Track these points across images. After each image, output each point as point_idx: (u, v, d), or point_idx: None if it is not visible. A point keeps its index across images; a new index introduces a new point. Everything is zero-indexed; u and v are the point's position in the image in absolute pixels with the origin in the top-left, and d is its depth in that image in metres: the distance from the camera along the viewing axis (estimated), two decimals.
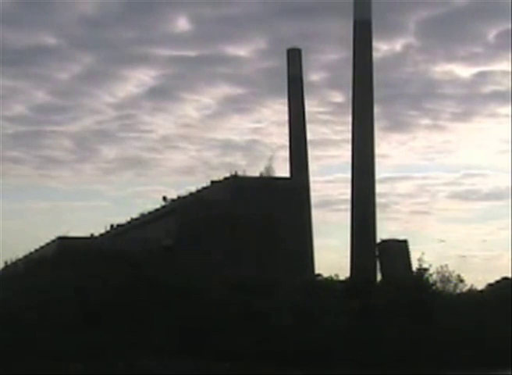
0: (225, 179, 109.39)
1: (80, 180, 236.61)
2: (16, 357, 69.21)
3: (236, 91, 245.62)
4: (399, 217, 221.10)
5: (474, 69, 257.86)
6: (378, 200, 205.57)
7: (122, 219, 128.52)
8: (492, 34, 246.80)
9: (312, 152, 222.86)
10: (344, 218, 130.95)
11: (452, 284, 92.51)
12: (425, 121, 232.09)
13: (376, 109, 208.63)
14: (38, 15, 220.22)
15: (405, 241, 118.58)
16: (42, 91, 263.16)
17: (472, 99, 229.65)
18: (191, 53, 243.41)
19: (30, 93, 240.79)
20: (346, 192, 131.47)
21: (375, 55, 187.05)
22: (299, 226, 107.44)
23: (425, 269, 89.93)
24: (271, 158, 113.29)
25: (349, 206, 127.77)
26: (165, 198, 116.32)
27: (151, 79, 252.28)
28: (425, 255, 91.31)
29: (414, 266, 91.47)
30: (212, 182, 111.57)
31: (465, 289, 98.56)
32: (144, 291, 78.10)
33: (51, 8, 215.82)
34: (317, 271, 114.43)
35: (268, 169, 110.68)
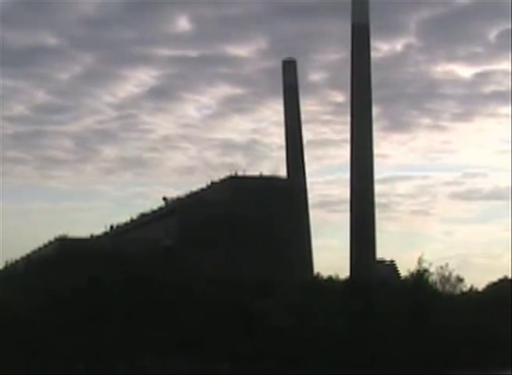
0: (225, 179, 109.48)
1: (81, 180, 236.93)
2: (16, 357, 69.22)
3: (237, 91, 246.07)
4: (399, 217, 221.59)
5: (475, 69, 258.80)
6: (379, 200, 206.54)
7: (123, 219, 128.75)
8: (492, 34, 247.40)
9: (312, 152, 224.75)
10: (344, 218, 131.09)
11: (451, 284, 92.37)
12: (426, 121, 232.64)
13: (377, 109, 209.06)
14: (39, 15, 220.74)
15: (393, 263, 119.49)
16: (42, 91, 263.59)
17: (473, 99, 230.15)
18: (192, 53, 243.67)
19: (30, 93, 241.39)
20: (346, 192, 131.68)
21: (376, 55, 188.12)
22: (298, 226, 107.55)
23: (425, 270, 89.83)
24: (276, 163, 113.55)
25: (348, 206, 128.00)
26: (165, 199, 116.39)
27: (151, 79, 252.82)
28: (425, 255, 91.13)
29: (413, 267, 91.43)
30: (212, 182, 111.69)
31: (465, 289, 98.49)
32: (143, 292, 78.09)
33: (52, 8, 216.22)
34: (317, 271, 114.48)
35: (275, 169, 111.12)
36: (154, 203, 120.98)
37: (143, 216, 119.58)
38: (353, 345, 77.38)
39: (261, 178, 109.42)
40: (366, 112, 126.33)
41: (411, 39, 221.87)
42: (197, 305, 78.33)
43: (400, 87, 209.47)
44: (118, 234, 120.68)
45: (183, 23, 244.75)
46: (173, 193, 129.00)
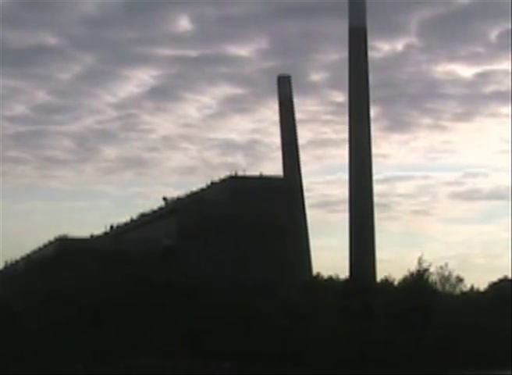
0: (225, 179, 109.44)
1: (81, 180, 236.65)
2: (16, 357, 69.27)
3: (237, 91, 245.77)
4: (400, 217, 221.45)
5: (476, 69, 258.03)
6: (379, 200, 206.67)
7: (123, 219, 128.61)
8: (493, 34, 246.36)
9: (313, 152, 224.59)
10: (345, 218, 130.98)
11: (451, 284, 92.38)
12: (427, 121, 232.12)
13: (377, 109, 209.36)
14: (39, 15, 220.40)
15: None
16: (43, 91, 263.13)
17: (473, 99, 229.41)
18: (192, 53, 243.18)
19: (31, 93, 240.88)
20: (346, 192, 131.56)
21: (377, 55, 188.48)
22: (298, 225, 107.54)
23: (425, 270, 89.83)
24: None
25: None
26: (165, 198, 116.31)
27: (152, 79, 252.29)
28: (425, 255, 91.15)
29: (413, 267, 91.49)
30: (212, 182, 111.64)
31: (465, 289, 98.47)
32: (143, 291, 78.11)
33: (53, 8, 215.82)
34: (317, 271, 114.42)
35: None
36: (154, 203, 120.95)
37: (143, 215, 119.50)
38: (353, 345, 77.41)
39: (261, 178, 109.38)
40: (364, 113, 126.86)
41: (412, 39, 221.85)
42: (196, 304, 78.36)
43: (401, 86, 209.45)
44: (118, 234, 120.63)
45: (183, 23, 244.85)
46: (173, 193, 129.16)
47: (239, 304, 79.84)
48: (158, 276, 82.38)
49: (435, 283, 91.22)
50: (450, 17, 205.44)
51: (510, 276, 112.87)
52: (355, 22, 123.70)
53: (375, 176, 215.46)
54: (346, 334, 78.65)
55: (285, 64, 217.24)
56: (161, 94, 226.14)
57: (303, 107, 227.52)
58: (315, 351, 75.87)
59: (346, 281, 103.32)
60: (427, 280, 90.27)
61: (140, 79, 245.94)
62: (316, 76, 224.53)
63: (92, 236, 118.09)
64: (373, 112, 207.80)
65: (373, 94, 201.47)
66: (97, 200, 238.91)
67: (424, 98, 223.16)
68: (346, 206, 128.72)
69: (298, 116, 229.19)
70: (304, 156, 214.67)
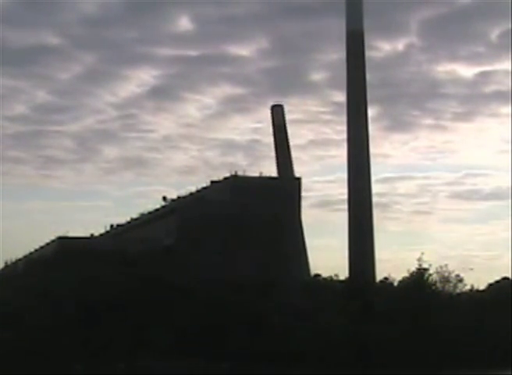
0: (225, 179, 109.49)
1: (81, 180, 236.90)
2: (16, 357, 69.23)
3: (238, 90, 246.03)
4: (400, 217, 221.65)
5: (477, 69, 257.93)
6: (380, 200, 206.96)
7: (123, 219, 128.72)
8: (494, 34, 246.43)
9: (313, 152, 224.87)
10: (345, 218, 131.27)
11: (451, 284, 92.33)
12: (427, 121, 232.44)
13: (378, 109, 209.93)
14: (40, 15, 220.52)
15: None
16: (43, 91, 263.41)
17: (474, 99, 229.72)
18: (193, 53, 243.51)
19: (31, 93, 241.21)
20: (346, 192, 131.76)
21: (377, 54, 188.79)
22: (298, 225, 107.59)
23: (425, 269, 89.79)
24: None
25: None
26: (165, 198, 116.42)
27: (152, 78, 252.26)
28: (425, 255, 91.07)
29: (414, 266, 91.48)
30: (212, 182, 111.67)
31: (465, 289, 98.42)
32: (143, 291, 78.11)
33: (53, 8, 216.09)
34: (317, 271, 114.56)
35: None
36: (154, 203, 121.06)
37: (143, 215, 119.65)
38: (353, 345, 77.39)
39: (261, 178, 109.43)
40: (362, 113, 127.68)
41: (412, 39, 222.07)
42: (196, 304, 78.34)
43: (401, 86, 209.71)
44: (118, 234, 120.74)
45: (184, 23, 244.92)
46: (174, 193, 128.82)
47: (239, 304, 79.82)
48: (158, 275, 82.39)
49: (435, 283, 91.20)
50: (451, 17, 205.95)
51: (510, 276, 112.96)
52: (352, 25, 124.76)
53: (376, 176, 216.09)
54: (345, 334, 78.63)
55: (285, 64, 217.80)
56: (162, 94, 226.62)
57: (303, 107, 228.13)
58: (315, 351, 75.81)
59: (345, 281, 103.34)
60: (427, 280, 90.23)
61: (140, 79, 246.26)
62: (317, 76, 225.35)
63: (92, 236, 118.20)
64: (373, 111, 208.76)
65: (373, 93, 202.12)
66: (97, 200, 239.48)
67: (425, 98, 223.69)
68: (346, 206, 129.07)
69: (298, 115, 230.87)
70: (304, 156, 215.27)
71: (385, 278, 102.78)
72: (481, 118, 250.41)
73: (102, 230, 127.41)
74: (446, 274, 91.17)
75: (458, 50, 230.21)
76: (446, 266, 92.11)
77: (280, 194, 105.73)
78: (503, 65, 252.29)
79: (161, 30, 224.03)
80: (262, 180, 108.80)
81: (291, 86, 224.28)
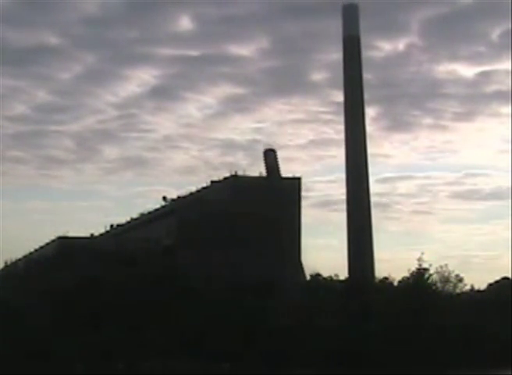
0: (225, 179, 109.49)
1: (81, 180, 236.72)
2: (16, 357, 69.21)
3: (238, 90, 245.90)
4: (400, 217, 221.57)
5: (477, 69, 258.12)
6: (380, 200, 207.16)
7: (123, 219, 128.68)
8: (495, 34, 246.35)
9: (314, 152, 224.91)
10: (345, 218, 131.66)
11: (451, 284, 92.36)
12: (428, 121, 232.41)
13: (379, 109, 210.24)
14: (40, 14, 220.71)
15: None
16: (44, 91, 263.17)
17: (475, 99, 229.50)
18: (193, 53, 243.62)
19: (31, 93, 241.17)
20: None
21: (378, 54, 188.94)
22: (297, 225, 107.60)
23: (425, 269, 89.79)
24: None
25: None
26: (164, 198, 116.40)
27: (153, 78, 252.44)
28: (425, 255, 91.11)
29: (414, 266, 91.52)
30: (212, 182, 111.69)
31: (465, 289, 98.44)
32: (143, 291, 78.10)
33: (54, 7, 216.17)
34: (317, 271, 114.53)
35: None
36: (154, 203, 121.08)
37: (143, 215, 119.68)
38: (353, 345, 77.37)
39: (260, 178, 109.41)
40: (359, 114, 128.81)
41: (413, 38, 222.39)
42: (197, 304, 78.34)
43: (402, 86, 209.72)
44: (118, 234, 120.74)
45: (184, 23, 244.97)
46: (174, 193, 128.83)
47: (239, 303, 79.82)
48: (157, 275, 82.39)
49: (435, 283, 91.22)
50: (452, 17, 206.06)
51: (510, 276, 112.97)
52: (349, 31, 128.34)
53: (376, 176, 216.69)
54: (345, 334, 78.63)
55: (286, 64, 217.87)
56: (162, 94, 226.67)
57: (303, 107, 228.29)
58: (315, 351, 75.80)
59: (345, 281, 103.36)
60: (427, 280, 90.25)
61: (140, 78, 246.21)
62: (317, 76, 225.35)
63: (92, 236, 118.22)
64: (374, 111, 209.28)
65: (374, 93, 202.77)
66: (97, 200, 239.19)
67: (426, 98, 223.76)
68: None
69: (299, 115, 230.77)
70: (304, 156, 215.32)
71: (385, 278, 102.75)
72: (481, 118, 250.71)
73: (102, 230, 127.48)
74: (446, 274, 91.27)
75: (459, 50, 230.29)
76: (446, 265, 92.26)
77: (280, 194, 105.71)
78: (504, 65, 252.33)
79: (161, 30, 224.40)
80: (262, 180, 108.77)
81: (291, 86, 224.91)
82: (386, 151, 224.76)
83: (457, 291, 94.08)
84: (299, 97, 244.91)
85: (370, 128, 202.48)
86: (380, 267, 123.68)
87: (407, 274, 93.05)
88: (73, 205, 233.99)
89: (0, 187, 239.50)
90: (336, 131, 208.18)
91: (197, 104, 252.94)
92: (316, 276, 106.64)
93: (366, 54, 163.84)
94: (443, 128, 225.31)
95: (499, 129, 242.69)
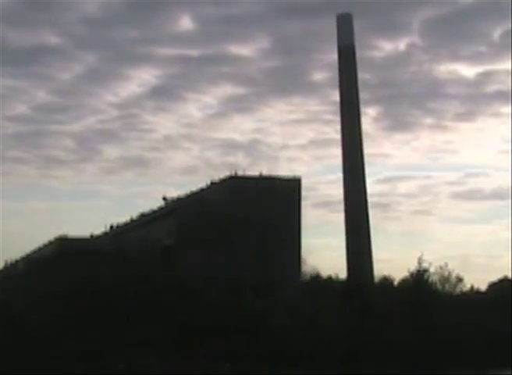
0: (225, 179, 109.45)
1: (82, 179, 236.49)
2: (15, 357, 69.20)
3: (239, 90, 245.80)
4: (401, 217, 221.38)
5: (478, 69, 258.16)
6: (380, 200, 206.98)
7: (124, 219, 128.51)
8: (496, 34, 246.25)
9: (314, 152, 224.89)
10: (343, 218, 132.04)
11: (451, 284, 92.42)
12: (428, 121, 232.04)
13: (379, 109, 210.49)
14: (41, 14, 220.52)
15: None
16: (44, 91, 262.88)
17: (476, 99, 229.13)
18: (194, 52, 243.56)
19: (32, 92, 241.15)
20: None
21: (379, 54, 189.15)
22: (297, 226, 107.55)
23: (425, 270, 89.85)
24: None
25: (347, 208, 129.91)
26: (164, 198, 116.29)
27: (153, 78, 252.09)
28: (426, 255, 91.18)
29: (414, 266, 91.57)
30: (212, 182, 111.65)
31: (466, 289, 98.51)
32: (144, 291, 78.11)
33: (54, 7, 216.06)
34: (317, 271, 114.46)
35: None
36: (155, 203, 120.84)
37: (143, 215, 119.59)
38: (353, 345, 77.39)
39: (261, 178, 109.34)
40: (355, 114, 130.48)
41: (414, 38, 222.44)
42: (196, 304, 78.35)
43: (403, 86, 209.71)
44: (118, 234, 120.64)
45: (185, 23, 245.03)
46: (175, 193, 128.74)
47: (239, 304, 79.84)
48: (157, 275, 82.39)
49: (435, 283, 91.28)
50: (453, 17, 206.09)
51: (510, 276, 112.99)
52: (343, 41, 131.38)
53: (376, 176, 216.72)
54: (345, 334, 78.63)
55: (286, 64, 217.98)
56: (163, 94, 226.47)
57: (304, 107, 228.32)
58: (315, 351, 75.80)
59: (344, 281, 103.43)
60: (427, 280, 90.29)
61: (141, 78, 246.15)
62: (318, 76, 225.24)
63: (92, 236, 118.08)
64: (375, 111, 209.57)
65: (375, 93, 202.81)
66: (97, 200, 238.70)
67: (426, 98, 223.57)
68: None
69: (299, 115, 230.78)
70: (305, 156, 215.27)
71: (385, 278, 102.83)
72: (482, 118, 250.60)
73: (102, 230, 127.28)
74: (446, 274, 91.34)
75: (460, 50, 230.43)
76: (445, 265, 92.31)
77: (280, 194, 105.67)
78: (505, 64, 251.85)
79: (162, 29, 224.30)
80: (262, 180, 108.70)
81: (292, 86, 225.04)
82: (387, 151, 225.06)
83: (457, 291, 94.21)
84: (300, 97, 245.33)
85: (370, 128, 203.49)
86: (380, 267, 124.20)
87: (407, 274, 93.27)
88: (73, 205, 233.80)
89: (0, 187, 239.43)
90: (337, 131, 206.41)
91: (198, 104, 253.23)
92: (316, 277, 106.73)
93: (367, 54, 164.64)
94: (444, 128, 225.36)
95: (500, 129, 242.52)
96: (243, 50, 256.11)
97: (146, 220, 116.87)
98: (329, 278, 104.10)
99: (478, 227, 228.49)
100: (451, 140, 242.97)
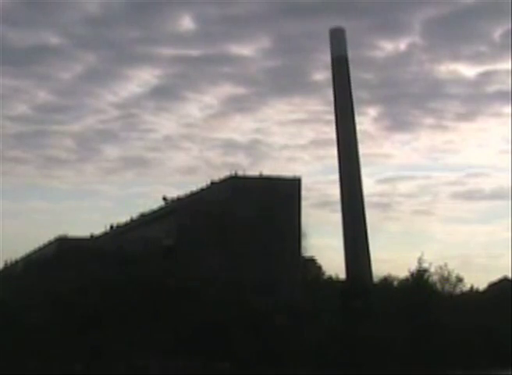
0: (225, 179, 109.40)
1: (82, 179, 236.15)
2: (15, 357, 69.28)
3: (239, 90, 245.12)
4: (401, 217, 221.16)
5: (479, 69, 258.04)
6: (381, 200, 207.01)
7: (123, 219, 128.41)
8: (497, 34, 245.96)
9: (315, 152, 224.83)
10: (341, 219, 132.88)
11: (451, 284, 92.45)
12: (429, 121, 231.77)
13: (380, 109, 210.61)
14: (41, 14, 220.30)
15: None
16: (45, 91, 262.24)
17: (476, 99, 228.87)
18: (194, 52, 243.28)
19: (32, 92, 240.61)
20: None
21: (380, 54, 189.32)
22: (297, 226, 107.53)
23: (425, 270, 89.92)
24: None
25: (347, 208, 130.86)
26: (164, 198, 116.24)
27: (154, 78, 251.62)
28: (426, 255, 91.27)
29: (414, 266, 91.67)
30: (212, 182, 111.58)
31: (465, 289, 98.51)
32: (144, 291, 78.14)
33: (55, 7, 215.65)
34: (317, 271, 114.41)
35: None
36: (155, 203, 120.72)
37: (143, 215, 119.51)
38: (353, 345, 77.42)
39: (261, 178, 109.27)
40: (349, 115, 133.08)
41: (415, 38, 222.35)
42: (197, 304, 78.37)
43: (403, 86, 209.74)
44: (118, 234, 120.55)
45: (186, 23, 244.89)
46: (175, 193, 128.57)
47: (239, 304, 79.87)
48: (157, 275, 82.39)
49: (435, 283, 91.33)
50: (453, 17, 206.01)
51: (510, 276, 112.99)
52: (337, 52, 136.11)
53: (377, 176, 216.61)
54: (345, 334, 78.68)
55: (287, 63, 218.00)
56: (163, 94, 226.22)
57: (305, 107, 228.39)
58: (315, 351, 75.85)
59: (343, 281, 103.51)
60: (427, 280, 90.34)
61: (141, 78, 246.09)
62: (318, 76, 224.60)
63: (92, 236, 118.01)
64: (375, 111, 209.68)
65: (375, 93, 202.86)
66: (98, 200, 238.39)
67: (427, 98, 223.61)
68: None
69: (300, 115, 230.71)
70: (305, 156, 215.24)
71: (385, 278, 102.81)
72: (483, 118, 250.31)
73: (102, 230, 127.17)
74: (446, 274, 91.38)
75: (460, 50, 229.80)
76: (445, 265, 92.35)
77: (280, 195, 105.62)
78: (505, 64, 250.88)
79: (162, 29, 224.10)
80: (262, 180, 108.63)
81: (292, 86, 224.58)
82: (387, 151, 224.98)
83: (457, 291, 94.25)
84: (300, 97, 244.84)
85: (371, 128, 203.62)
86: (380, 267, 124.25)
87: (407, 274, 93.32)
88: (73, 205, 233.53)
89: (0, 186, 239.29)
90: None
91: (198, 104, 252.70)
92: (316, 277, 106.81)
93: (368, 53, 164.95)
94: (444, 128, 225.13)
95: (500, 129, 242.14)
96: (244, 50, 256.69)
97: (146, 220, 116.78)
98: (329, 278, 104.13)
99: (478, 227, 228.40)
100: (451, 140, 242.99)
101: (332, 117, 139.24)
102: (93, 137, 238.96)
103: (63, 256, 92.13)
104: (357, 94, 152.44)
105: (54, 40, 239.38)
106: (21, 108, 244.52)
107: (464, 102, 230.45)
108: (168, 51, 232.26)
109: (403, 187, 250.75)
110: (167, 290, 79.43)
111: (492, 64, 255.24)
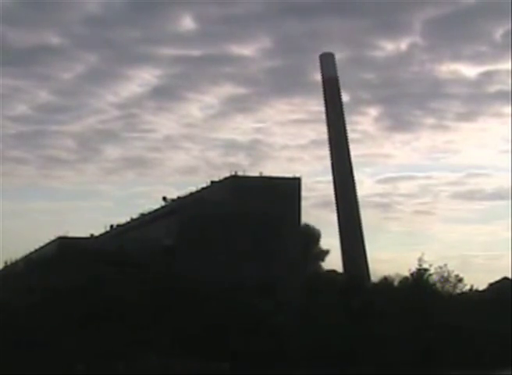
0: (225, 179, 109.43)
1: (83, 180, 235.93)
2: (16, 357, 69.29)
3: (240, 90, 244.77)
4: (401, 217, 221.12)
5: (480, 69, 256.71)
6: (381, 200, 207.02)
7: (123, 219, 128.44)
8: (498, 34, 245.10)
9: (316, 152, 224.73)
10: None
11: (451, 284, 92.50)
12: (429, 121, 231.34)
13: (380, 109, 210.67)
14: (42, 14, 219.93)
15: None
16: (45, 91, 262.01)
17: (477, 99, 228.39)
18: (195, 53, 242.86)
19: (32, 92, 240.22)
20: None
21: (380, 54, 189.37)
22: (298, 226, 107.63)
23: (425, 270, 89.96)
24: None
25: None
26: (165, 198, 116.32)
27: (154, 78, 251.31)
28: (426, 255, 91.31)
29: (414, 266, 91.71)
30: (212, 182, 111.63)
31: (465, 289, 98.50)
32: (144, 291, 78.18)
33: (55, 7, 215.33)
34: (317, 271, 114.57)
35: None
36: (156, 203, 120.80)
37: (143, 215, 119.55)
38: (353, 345, 77.44)
39: (261, 178, 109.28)
40: (340, 126, 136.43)
41: (416, 38, 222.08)
42: (197, 304, 78.40)
43: (404, 86, 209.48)
44: (118, 234, 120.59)
45: (186, 23, 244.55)
46: (175, 193, 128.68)
47: (239, 304, 79.90)
48: (157, 275, 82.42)
49: (435, 283, 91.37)
50: (454, 17, 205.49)
51: (509, 276, 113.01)
52: (327, 73, 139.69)
53: (377, 176, 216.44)
54: (345, 334, 78.69)
55: (288, 63, 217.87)
56: (164, 94, 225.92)
57: (305, 107, 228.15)
58: (315, 351, 75.87)
59: (344, 281, 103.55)
60: (427, 280, 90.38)
61: (142, 78, 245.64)
62: (319, 76, 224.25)
63: (92, 236, 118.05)
64: (376, 111, 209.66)
65: (376, 93, 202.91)
66: (98, 200, 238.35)
67: (428, 98, 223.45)
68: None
69: (300, 115, 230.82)
70: (305, 156, 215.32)
71: (385, 278, 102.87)
72: (483, 118, 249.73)
73: (102, 230, 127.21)
74: (446, 274, 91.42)
75: (461, 50, 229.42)
76: (445, 265, 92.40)
77: (280, 194, 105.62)
78: (506, 64, 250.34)
79: (163, 29, 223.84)
80: (263, 180, 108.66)
81: (293, 86, 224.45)
82: (388, 151, 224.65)
83: (457, 291, 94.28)
84: (300, 97, 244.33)
85: (371, 128, 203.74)
86: (381, 267, 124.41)
87: (407, 274, 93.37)
88: (74, 205, 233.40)
89: (0, 187, 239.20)
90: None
91: (199, 104, 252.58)
92: (316, 277, 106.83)
93: (368, 53, 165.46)
94: (445, 128, 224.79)
95: (501, 129, 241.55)
96: (244, 50, 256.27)
97: (146, 220, 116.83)
98: (330, 278, 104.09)
99: (478, 227, 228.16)
100: (452, 140, 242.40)
101: None
102: (93, 137, 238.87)
103: (63, 256, 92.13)
104: (357, 94, 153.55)
105: (54, 40, 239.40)
106: (21, 108, 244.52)
107: (465, 102, 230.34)
108: (168, 51, 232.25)
109: (404, 187, 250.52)
110: (167, 290, 79.46)
111: (493, 64, 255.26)
